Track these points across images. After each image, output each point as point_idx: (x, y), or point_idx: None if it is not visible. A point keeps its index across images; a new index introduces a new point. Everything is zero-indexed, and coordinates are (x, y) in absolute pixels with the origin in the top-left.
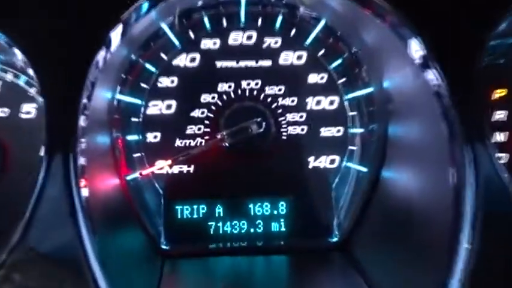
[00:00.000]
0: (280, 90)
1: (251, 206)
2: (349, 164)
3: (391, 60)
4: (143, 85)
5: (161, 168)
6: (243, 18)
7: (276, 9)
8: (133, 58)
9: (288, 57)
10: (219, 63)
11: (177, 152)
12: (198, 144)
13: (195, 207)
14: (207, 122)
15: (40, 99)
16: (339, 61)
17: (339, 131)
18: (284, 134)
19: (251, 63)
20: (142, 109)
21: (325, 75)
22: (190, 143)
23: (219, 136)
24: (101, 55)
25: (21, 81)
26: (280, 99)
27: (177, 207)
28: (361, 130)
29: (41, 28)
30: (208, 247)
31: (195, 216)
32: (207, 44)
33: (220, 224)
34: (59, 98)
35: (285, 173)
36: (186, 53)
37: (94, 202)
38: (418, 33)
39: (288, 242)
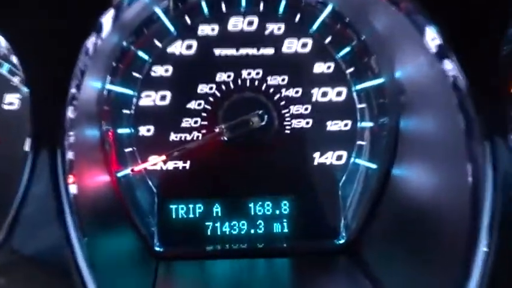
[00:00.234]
0: (283, 80)
1: (251, 205)
2: (358, 161)
3: (404, 48)
4: (135, 74)
5: (155, 164)
6: (243, 3)
7: None
8: (125, 45)
9: (292, 45)
10: (218, 51)
11: (172, 146)
12: (195, 138)
13: (191, 206)
14: (204, 114)
15: (24, 89)
16: (347, 49)
17: (346, 124)
18: (287, 127)
19: (252, 51)
20: (135, 100)
21: (332, 65)
22: (186, 137)
23: (217, 130)
24: (91, 41)
25: (4, 69)
26: (283, 90)
27: (171, 206)
28: (370, 124)
29: (26, 12)
30: (205, 249)
31: (191, 216)
32: (205, 30)
33: (218, 225)
34: (45, 88)
35: (288, 170)
36: (182, 40)
37: (83, 200)
38: (434, 21)
39: (290, 244)
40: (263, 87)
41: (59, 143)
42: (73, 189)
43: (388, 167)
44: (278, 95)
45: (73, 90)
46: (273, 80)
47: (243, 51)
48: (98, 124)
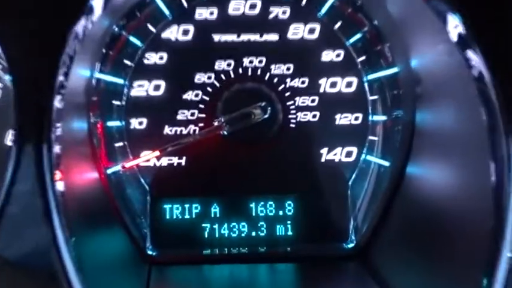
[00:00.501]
0: (288, 69)
1: (253, 205)
2: (369, 157)
3: (421, 36)
4: (127, 62)
5: (147, 160)
6: None
7: None
8: (116, 30)
9: (299, 31)
10: (217, 37)
11: (167, 141)
12: (191, 132)
13: (186, 206)
14: (201, 106)
15: (7, 77)
16: (359, 36)
17: (357, 118)
18: (292, 121)
19: (255, 37)
20: (126, 90)
21: (342, 52)
22: (182, 130)
23: (216, 123)
24: (80, 25)
25: None
26: (288, 80)
27: (165, 206)
28: (383, 117)
29: None
30: (202, 253)
31: (187, 216)
32: (203, 13)
33: (216, 226)
34: (30, 75)
35: (292, 167)
36: (178, 25)
37: (70, 199)
38: (457, 9)
39: (295, 248)
40: (266, 77)
41: (45, 136)
42: (60, 186)
43: (402, 164)
44: (282, 86)
45: (61, 78)
46: (277, 69)
47: (245, 37)
48: (86, 116)
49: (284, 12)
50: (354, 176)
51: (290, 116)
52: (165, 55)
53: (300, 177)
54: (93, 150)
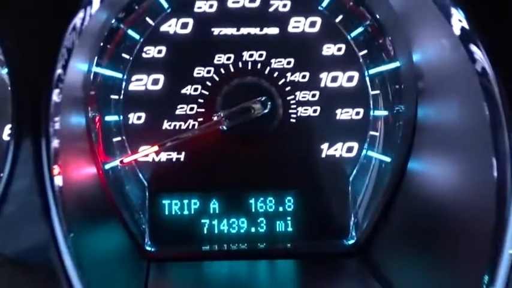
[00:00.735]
0: (288, 63)
1: (252, 201)
2: (370, 153)
3: (423, 30)
4: (125, 55)
5: (146, 156)
6: None
7: None
8: (114, 23)
9: (299, 24)
10: (216, 30)
11: (165, 136)
12: (190, 127)
13: (185, 201)
14: (201, 100)
15: (3, 70)
16: (360, 29)
17: (358, 113)
18: (293, 116)
19: (255, 31)
20: (124, 84)
21: (343, 46)
22: (180, 125)
23: (215, 118)
24: (78, 17)
25: None
26: (288, 74)
27: (164, 201)
28: (385, 112)
29: None
30: (201, 249)
31: (186, 212)
32: (202, 6)
33: (215, 222)
34: (28, 68)
35: (293, 163)
36: (177, 18)
37: (68, 194)
38: (460, 4)
39: (295, 244)
40: (266, 71)
41: (43, 130)
42: (58, 181)
43: (404, 160)
44: (283, 80)
45: (59, 71)
46: (278, 63)
47: (245, 30)
48: (84, 111)
49: (284, 5)
50: (354, 171)
51: (290, 111)
52: (163, 49)
53: (300, 172)
54: (91, 145)
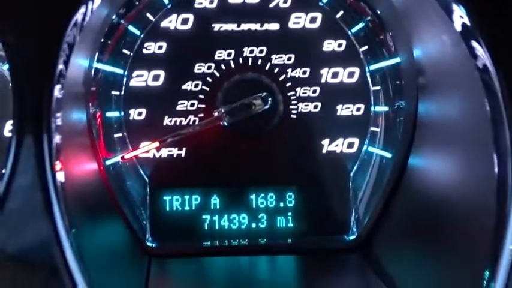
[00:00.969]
0: (289, 59)
1: (253, 196)
2: (371, 149)
3: (424, 25)
4: (125, 51)
5: (147, 152)
6: None
7: None
8: (115, 19)
9: (300, 20)
10: (217, 26)
11: (166, 132)
12: (191, 123)
13: (186, 197)
14: (201, 96)
15: (4, 66)
16: (361, 25)
17: (359, 109)
18: (293, 112)
19: (255, 27)
20: (124, 80)
21: (344, 42)
22: (181, 121)
23: (216, 114)
24: (80, 13)
25: None
26: (289, 70)
27: (165, 197)
28: (385, 108)
29: None
30: (202, 245)
31: (187, 208)
32: (202, 2)
33: (216, 218)
34: (29, 63)
35: (293, 159)
36: (177, 13)
37: (70, 190)
38: (461, 1)
39: (296, 240)
40: (267, 67)
41: (45, 126)
42: (60, 177)
43: (405, 155)
44: (283, 76)
45: (60, 67)
46: (278, 59)
47: (245, 26)
48: (85, 107)
49: (285, 1)
50: (355, 167)
51: (291, 107)
52: (164, 44)
53: (300, 168)
54: (92, 141)
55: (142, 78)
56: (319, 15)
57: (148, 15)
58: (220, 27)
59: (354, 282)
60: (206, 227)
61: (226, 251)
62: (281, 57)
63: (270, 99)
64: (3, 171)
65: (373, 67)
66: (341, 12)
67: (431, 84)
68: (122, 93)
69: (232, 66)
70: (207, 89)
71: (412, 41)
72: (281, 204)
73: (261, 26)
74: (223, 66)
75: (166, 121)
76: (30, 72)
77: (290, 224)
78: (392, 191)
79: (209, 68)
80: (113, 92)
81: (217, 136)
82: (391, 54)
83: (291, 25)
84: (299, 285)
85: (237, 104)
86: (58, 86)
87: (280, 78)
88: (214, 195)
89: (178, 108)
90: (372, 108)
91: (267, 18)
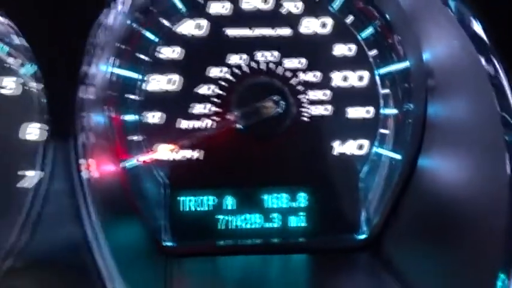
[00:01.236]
0: (301, 63)
1: (266, 197)
2: (380, 150)
3: (433, 29)
4: (142, 56)
5: (163, 154)
6: None
7: None
8: (131, 24)
9: (311, 25)
10: (230, 31)
11: (182, 135)
12: (206, 126)
13: (201, 198)
14: (216, 100)
15: (22, 70)
16: (370, 29)
17: (368, 111)
18: (305, 114)
19: (268, 32)
20: (141, 84)
21: (354, 46)
22: (196, 124)
23: (230, 117)
24: (104, 15)
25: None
26: (301, 74)
27: (181, 198)
28: (394, 111)
29: None
30: (216, 244)
31: (202, 208)
32: (216, 8)
33: (230, 218)
34: (59, 66)
35: (305, 160)
36: (192, 19)
37: (97, 192)
38: (478, 16)
39: (308, 239)
40: (279, 71)
41: (75, 127)
42: (89, 177)
43: (414, 157)
44: (295, 80)
45: (86, 69)
46: (290, 63)
47: (258, 31)
48: (103, 109)
49: (297, 7)
50: (365, 168)
51: (302, 110)
52: (179, 49)
53: (312, 169)
54: (111, 143)
55: (158, 83)
56: (329, 21)
57: (163, 20)
58: (233, 32)
59: (364, 281)
60: (221, 227)
61: (240, 250)
62: (293, 61)
63: (282, 102)
64: (25, 172)
65: (382, 71)
66: (351, 17)
67: (440, 86)
68: (139, 97)
69: (245, 70)
70: (221, 92)
71: (420, 44)
72: (293, 205)
73: (274, 30)
74: (236, 70)
75: (182, 124)
76: (59, 74)
77: (302, 224)
78: (401, 191)
79: (223, 72)
80: (130, 96)
81: (231, 139)
82: (400, 57)
83: (302, 30)
84: (311, 283)
85: (250, 107)
86: (83, 87)
87: (292, 82)
88: (229, 196)
89: (193, 111)
90: (382, 111)
91: (279, 23)
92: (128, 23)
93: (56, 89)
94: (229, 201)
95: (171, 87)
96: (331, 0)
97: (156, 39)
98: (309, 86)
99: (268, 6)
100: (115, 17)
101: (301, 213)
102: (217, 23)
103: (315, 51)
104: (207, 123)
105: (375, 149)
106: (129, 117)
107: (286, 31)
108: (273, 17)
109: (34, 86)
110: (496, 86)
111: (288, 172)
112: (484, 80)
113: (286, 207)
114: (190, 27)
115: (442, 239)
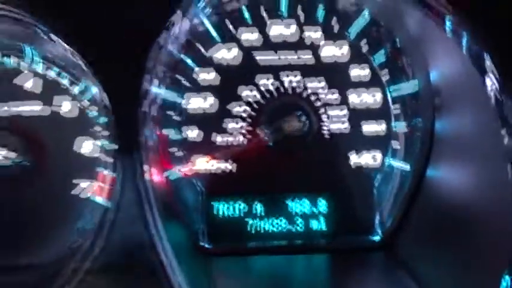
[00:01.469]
0: (321, 84)
1: (290, 203)
2: (392, 162)
3: (439, 50)
4: (181, 79)
5: (200, 166)
6: (283, 8)
7: None
8: (171, 50)
9: (329, 49)
10: (258, 56)
11: (217, 149)
12: (238, 141)
13: (234, 205)
14: (247, 118)
15: (75, 88)
16: (382, 53)
17: (381, 126)
18: (325, 130)
19: (291, 56)
20: (180, 104)
21: (368, 68)
22: (230, 140)
23: (260, 133)
24: (162, 37)
25: (52, 73)
26: (321, 93)
27: (216, 205)
28: (405, 126)
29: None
30: (247, 245)
31: (235, 214)
32: (247, 36)
33: (259, 222)
34: (123, 85)
35: (325, 170)
36: (225, 46)
37: (157, 199)
38: (487, 49)
39: (328, 240)
40: (302, 91)
41: (139, 143)
42: (151, 186)
43: (423, 168)
44: (316, 99)
45: (146, 85)
46: (312, 84)
47: (283, 55)
48: (152, 126)
49: (317, 33)
50: (379, 177)
51: (323, 126)
52: (214, 73)
53: (331, 179)
54: (156, 157)
55: (196, 103)
56: (346, 45)
57: (200, 47)
58: (262, 57)
59: (379, 278)
60: (251, 230)
61: (268, 251)
62: (314, 83)
63: (306, 120)
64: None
65: (393, 90)
66: (365, 42)
67: (446, 103)
68: (179, 115)
69: (273, 91)
70: (252, 111)
71: (428, 65)
72: (314, 210)
73: (296, 55)
74: (265, 91)
75: (217, 140)
76: (123, 92)
77: (322, 227)
78: (411, 198)
79: (252, 92)
80: (171, 114)
81: (260, 152)
82: (409, 78)
83: (321, 53)
84: (331, 280)
85: (278, 124)
86: (146, 102)
87: (314, 101)
88: (257, 202)
89: (227, 128)
90: (393, 126)
91: (301, 47)
92: (168, 49)
93: (122, 108)
94: (258, 208)
95: (207, 107)
96: (347, 27)
97: (193, 64)
98: (329, 104)
99: (291, 32)
100: (166, 39)
101: (322, 217)
102: (248, 49)
103: (334, 73)
104: (239, 138)
105: (387, 161)
106: (171, 133)
107: (307, 54)
108: (295, 42)
109: (87, 104)
110: (498, 105)
111: (309, 181)
112: (488, 97)
113: (308, 212)
114: (223, 53)
115: (450, 242)
